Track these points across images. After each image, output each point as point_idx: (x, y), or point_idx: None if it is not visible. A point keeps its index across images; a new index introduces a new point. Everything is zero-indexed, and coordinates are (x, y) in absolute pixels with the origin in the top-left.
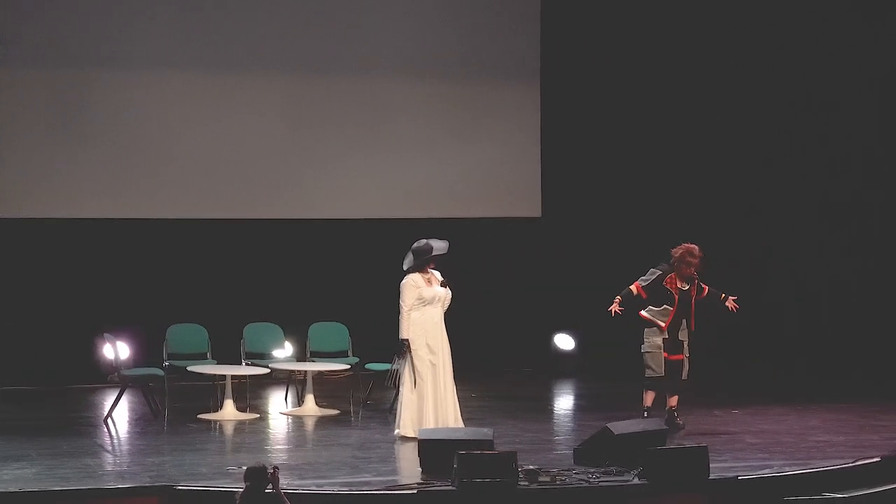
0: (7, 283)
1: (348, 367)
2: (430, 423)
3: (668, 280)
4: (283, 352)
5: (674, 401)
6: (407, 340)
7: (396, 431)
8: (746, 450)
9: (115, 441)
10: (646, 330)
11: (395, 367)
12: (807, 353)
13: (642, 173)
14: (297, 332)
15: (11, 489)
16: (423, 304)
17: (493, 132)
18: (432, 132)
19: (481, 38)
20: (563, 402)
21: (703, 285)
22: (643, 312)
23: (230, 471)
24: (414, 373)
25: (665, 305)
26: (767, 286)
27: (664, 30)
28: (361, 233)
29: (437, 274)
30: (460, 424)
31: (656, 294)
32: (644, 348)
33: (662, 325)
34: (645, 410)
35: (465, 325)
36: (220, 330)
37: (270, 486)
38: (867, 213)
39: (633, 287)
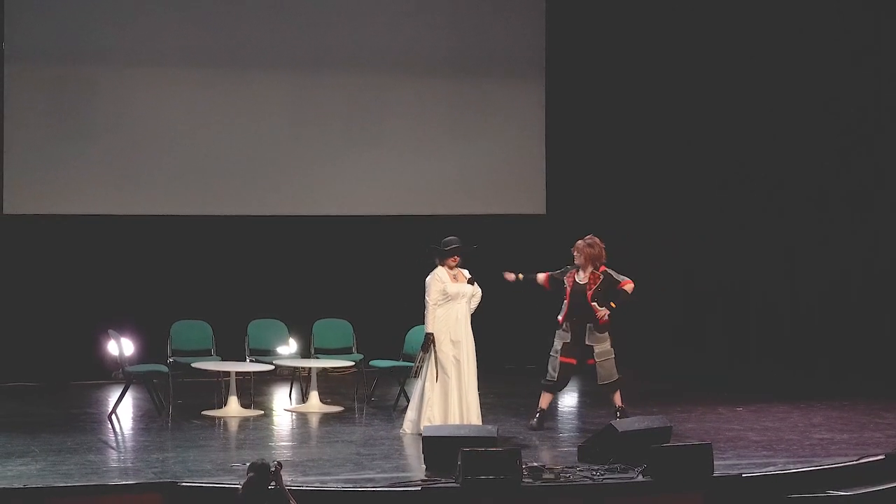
0: (12, 280)
1: (352, 363)
2: (455, 419)
3: (570, 274)
4: (288, 348)
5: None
6: (431, 335)
7: (402, 429)
8: (750, 447)
9: (119, 437)
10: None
11: (418, 362)
12: (810, 351)
13: (647, 170)
14: (301, 329)
15: (15, 485)
16: (448, 300)
17: (497, 129)
18: (437, 129)
19: (486, 35)
20: (567, 400)
21: (600, 275)
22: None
23: (234, 467)
24: (437, 367)
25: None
26: (771, 284)
27: (670, 26)
28: (366, 230)
29: (466, 272)
30: (480, 422)
31: (556, 287)
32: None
33: (559, 318)
34: (538, 412)
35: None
36: (224, 326)
37: (273, 482)
38: (872, 209)
39: (541, 275)
